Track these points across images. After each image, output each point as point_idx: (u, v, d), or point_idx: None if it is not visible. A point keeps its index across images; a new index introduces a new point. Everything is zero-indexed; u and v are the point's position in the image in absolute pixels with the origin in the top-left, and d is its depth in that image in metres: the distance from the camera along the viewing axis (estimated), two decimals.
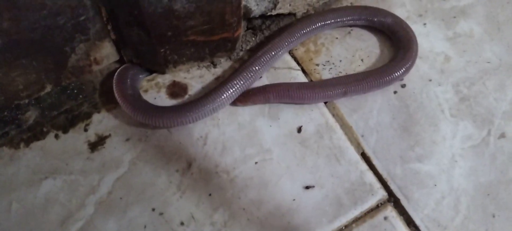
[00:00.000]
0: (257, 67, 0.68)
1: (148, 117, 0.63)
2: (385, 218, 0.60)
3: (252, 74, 0.68)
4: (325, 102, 0.70)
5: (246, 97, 0.68)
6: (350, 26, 0.78)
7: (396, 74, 0.69)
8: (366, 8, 0.77)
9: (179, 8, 0.58)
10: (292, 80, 0.72)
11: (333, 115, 0.68)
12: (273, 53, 0.70)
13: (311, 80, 0.72)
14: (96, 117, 0.67)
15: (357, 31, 0.78)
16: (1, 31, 0.52)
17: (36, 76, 0.62)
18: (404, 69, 0.69)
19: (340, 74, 0.72)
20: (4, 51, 0.55)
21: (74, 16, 0.56)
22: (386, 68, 0.70)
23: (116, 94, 0.65)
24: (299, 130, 0.67)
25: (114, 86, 0.66)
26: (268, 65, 0.71)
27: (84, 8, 0.56)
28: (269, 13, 0.74)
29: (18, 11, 0.51)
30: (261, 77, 0.72)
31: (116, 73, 0.67)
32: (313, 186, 0.62)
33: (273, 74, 0.72)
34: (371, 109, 0.69)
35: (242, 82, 0.67)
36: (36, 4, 0.52)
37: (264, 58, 0.69)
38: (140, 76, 0.70)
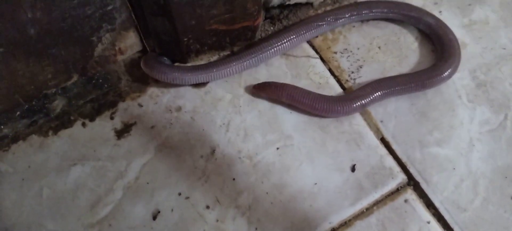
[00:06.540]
0: (303, 31, 0.72)
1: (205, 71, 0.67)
2: (406, 200, 0.61)
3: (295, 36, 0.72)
4: (344, 89, 0.71)
5: (262, 88, 0.69)
6: (387, 19, 0.79)
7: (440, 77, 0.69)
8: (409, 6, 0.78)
9: None
10: (311, 69, 0.73)
11: None
12: (319, 23, 0.74)
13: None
14: (121, 105, 0.69)
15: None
16: (34, 20, 0.54)
17: (64, 66, 0.64)
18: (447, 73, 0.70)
19: (358, 62, 0.74)
20: (36, 41, 0.57)
21: (102, 6, 0.58)
22: (432, 70, 0.70)
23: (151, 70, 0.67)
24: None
25: (146, 66, 0.68)
26: (314, 33, 0.74)
27: None
28: (287, 3, 0.75)
29: (51, 1, 0.53)
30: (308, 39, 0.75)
31: (144, 57, 0.69)
32: (334, 170, 0.63)
33: (293, 62, 0.73)
34: None
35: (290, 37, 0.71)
36: None
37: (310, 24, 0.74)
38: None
